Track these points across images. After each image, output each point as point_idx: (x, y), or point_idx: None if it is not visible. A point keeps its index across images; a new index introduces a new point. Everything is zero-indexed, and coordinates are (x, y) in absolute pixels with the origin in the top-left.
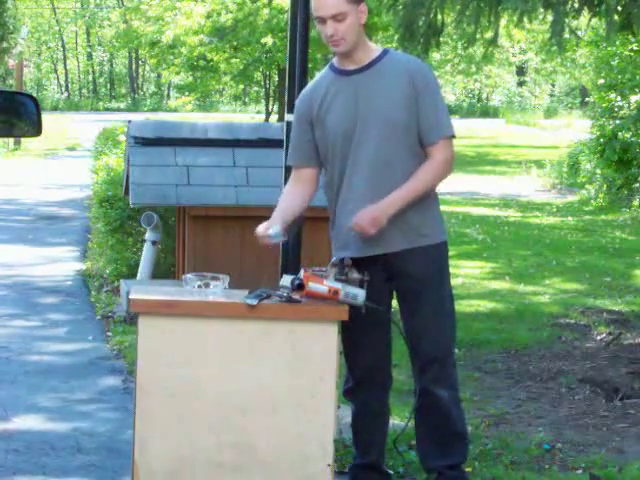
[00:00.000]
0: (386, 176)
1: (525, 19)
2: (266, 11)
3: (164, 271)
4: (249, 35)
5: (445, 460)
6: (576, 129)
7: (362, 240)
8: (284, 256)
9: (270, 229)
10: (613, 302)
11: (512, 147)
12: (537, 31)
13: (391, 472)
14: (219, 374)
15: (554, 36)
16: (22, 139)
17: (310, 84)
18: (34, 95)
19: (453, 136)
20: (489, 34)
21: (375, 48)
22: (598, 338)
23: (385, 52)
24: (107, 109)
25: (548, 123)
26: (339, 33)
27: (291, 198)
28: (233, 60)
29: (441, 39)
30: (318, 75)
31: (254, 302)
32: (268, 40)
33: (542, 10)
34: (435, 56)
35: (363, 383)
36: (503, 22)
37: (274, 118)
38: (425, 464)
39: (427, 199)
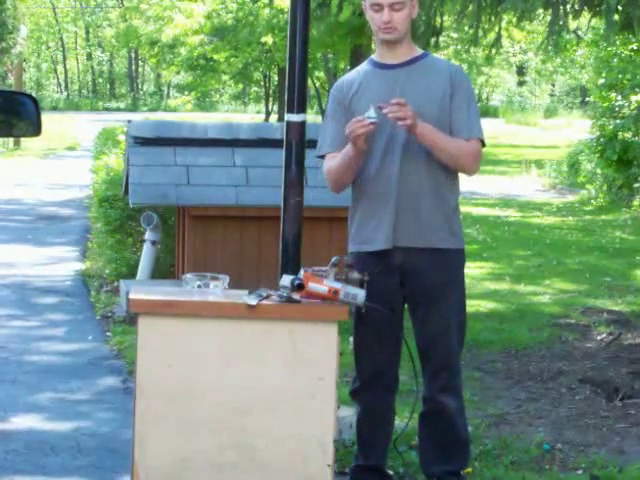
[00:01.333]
0: (417, 170)
1: (525, 19)
2: (266, 11)
3: (164, 271)
4: (249, 35)
5: (446, 466)
6: (576, 129)
7: (381, 234)
8: (284, 256)
9: (366, 113)
10: (613, 302)
11: (512, 147)
12: (537, 32)
13: (391, 473)
14: (219, 374)
15: (550, 36)
16: (22, 139)
17: (349, 73)
18: (33, 95)
19: (483, 142)
20: (491, 35)
21: (416, 48)
22: (598, 338)
23: (426, 54)
24: (107, 109)
25: (548, 123)
26: (394, 21)
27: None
28: (233, 60)
29: (440, 40)
30: (358, 67)
31: (254, 302)
32: (268, 40)
33: (542, 10)
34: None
35: (370, 384)
36: (503, 23)
37: (274, 118)
38: (426, 469)
39: (452, 203)
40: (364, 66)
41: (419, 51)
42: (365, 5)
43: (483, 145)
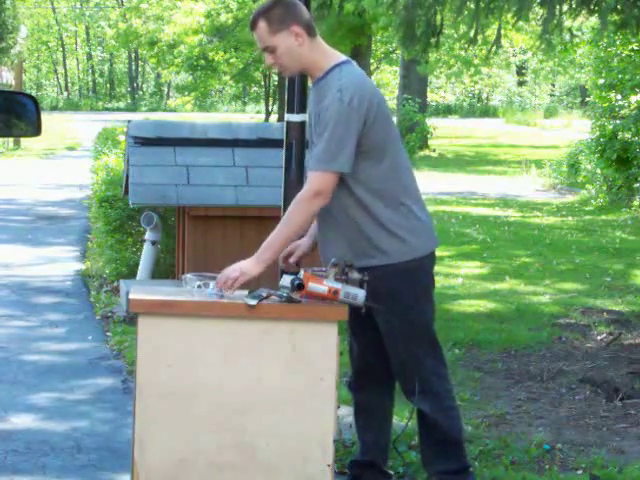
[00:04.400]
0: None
1: (522, 18)
2: None
3: (164, 271)
4: (250, 34)
5: (441, 466)
6: (576, 129)
7: (320, 249)
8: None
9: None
10: (613, 302)
11: (512, 147)
12: (535, 32)
13: (391, 472)
14: (219, 374)
15: (544, 34)
16: (22, 139)
17: None
18: (33, 95)
19: (323, 170)
20: (489, 34)
21: (327, 64)
22: (598, 338)
23: (329, 71)
24: (107, 109)
25: (548, 123)
26: (277, 62)
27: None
28: (233, 60)
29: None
30: None
31: (254, 302)
32: None
33: (539, 10)
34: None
35: (360, 378)
36: (502, 23)
37: (274, 118)
38: (425, 470)
39: (380, 212)
40: None
41: (328, 66)
42: None
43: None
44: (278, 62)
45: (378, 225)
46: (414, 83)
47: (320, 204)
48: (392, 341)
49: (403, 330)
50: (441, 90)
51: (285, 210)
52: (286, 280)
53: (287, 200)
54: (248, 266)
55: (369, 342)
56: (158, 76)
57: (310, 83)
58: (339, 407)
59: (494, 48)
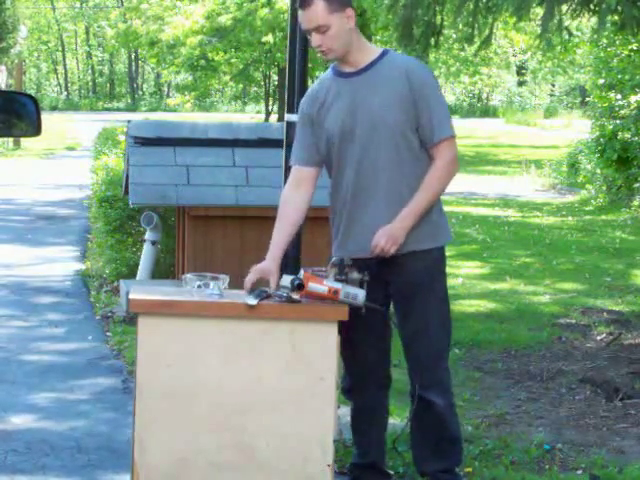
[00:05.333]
0: (388, 178)
1: (521, 18)
2: (266, 10)
3: (164, 271)
4: (250, 35)
5: (439, 464)
6: (576, 129)
7: (354, 242)
8: (284, 256)
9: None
10: (613, 302)
11: (512, 147)
12: (534, 33)
13: (391, 472)
14: (219, 374)
15: (543, 33)
16: (21, 139)
17: (314, 84)
18: (33, 95)
19: (453, 136)
20: (486, 32)
21: (373, 50)
22: (598, 338)
23: (384, 53)
24: (106, 109)
25: (548, 123)
26: (325, 44)
27: (292, 213)
28: (233, 60)
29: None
30: (322, 76)
31: (254, 302)
32: (269, 39)
33: (538, 9)
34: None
35: (361, 382)
36: (500, 23)
37: (274, 118)
38: (419, 468)
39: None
40: (328, 74)
41: (376, 52)
42: None
43: (454, 137)
44: (326, 44)
45: (437, 207)
46: None
47: (457, 169)
48: (425, 329)
49: (437, 318)
50: (440, 90)
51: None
52: (286, 280)
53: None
54: (396, 233)
55: (375, 342)
56: (158, 76)
57: (341, 69)
58: (339, 407)
59: (483, 47)
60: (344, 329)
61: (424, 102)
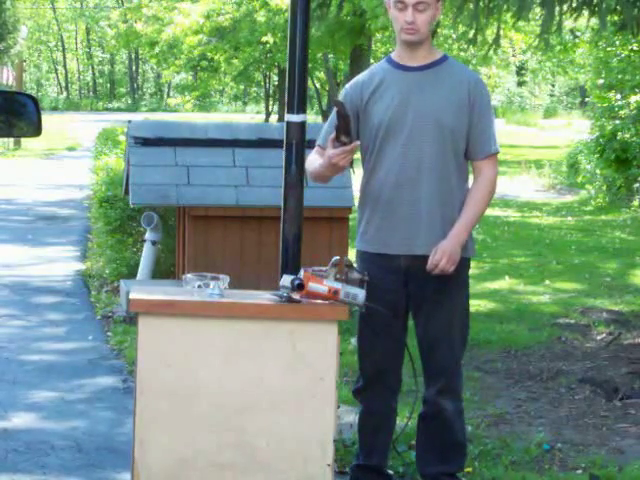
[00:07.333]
0: (430, 177)
1: (522, 18)
2: (262, 14)
3: (164, 271)
4: (250, 35)
5: (443, 467)
6: (576, 129)
7: (388, 238)
8: (284, 256)
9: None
10: (613, 302)
11: (512, 147)
12: (534, 33)
13: (391, 473)
14: (219, 374)
15: (543, 34)
16: (22, 139)
17: (364, 73)
18: (34, 95)
19: (498, 152)
20: (489, 34)
21: (436, 51)
22: (598, 338)
23: (445, 57)
24: (107, 109)
25: (548, 123)
26: (417, 22)
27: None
28: (233, 60)
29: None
30: (373, 66)
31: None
32: (269, 39)
33: (539, 10)
34: None
35: (373, 384)
36: (501, 24)
37: (274, 118)
38: (422, 470)
39: (457, 212)
40: (382, 64)
41: (439, 54)
42: (389, 3)
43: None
44: (418, 23)
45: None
46: None
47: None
48: (448, 336)
49: (459, 325)
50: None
51: (285, 211)
52: (286, 280)
53: (287, 200)
54: (454, 252)
55: (393, 346)
56: (158, 76)
57: (401, 61)
58: (339, 407)
59: (493, 48)
60: (362, 330)
61: (479, 115)
